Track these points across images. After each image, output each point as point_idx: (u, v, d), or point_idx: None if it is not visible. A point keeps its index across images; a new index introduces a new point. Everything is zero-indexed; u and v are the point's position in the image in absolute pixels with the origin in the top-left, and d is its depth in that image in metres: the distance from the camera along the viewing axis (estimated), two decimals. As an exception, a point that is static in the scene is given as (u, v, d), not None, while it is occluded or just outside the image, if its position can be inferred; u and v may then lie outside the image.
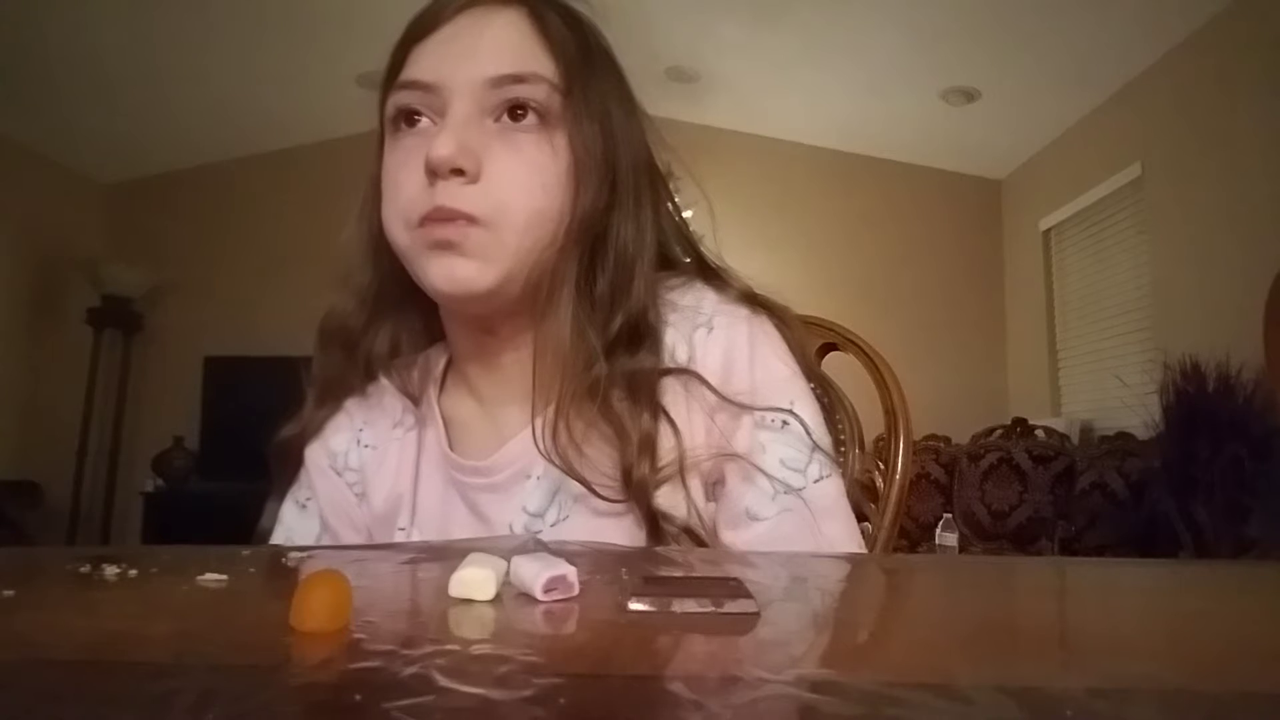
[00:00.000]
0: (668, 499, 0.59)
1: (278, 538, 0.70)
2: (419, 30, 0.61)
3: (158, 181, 4.77)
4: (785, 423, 0.60)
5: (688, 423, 0.60)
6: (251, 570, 0.46)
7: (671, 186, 0.71)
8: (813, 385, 0.67)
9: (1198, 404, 2.73)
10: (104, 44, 3.52)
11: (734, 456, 0.60)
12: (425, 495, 0.66)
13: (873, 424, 0.81)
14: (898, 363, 0.83)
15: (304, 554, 0.52)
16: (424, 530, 0.65)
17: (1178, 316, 3.28)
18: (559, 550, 0.41)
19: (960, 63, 3.70)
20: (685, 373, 0.61)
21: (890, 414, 0.81)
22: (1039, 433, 3.64)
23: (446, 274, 0.57)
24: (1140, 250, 3.60)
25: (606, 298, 0.60)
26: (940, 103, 3.99)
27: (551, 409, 0.59)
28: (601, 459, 0.58)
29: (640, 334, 0.61)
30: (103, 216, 4.78)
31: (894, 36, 3.54)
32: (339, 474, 0.69)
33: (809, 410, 0.62)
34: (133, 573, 0.39)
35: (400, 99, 0.60)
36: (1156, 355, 3.10)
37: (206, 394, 4.46)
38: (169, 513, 4.25)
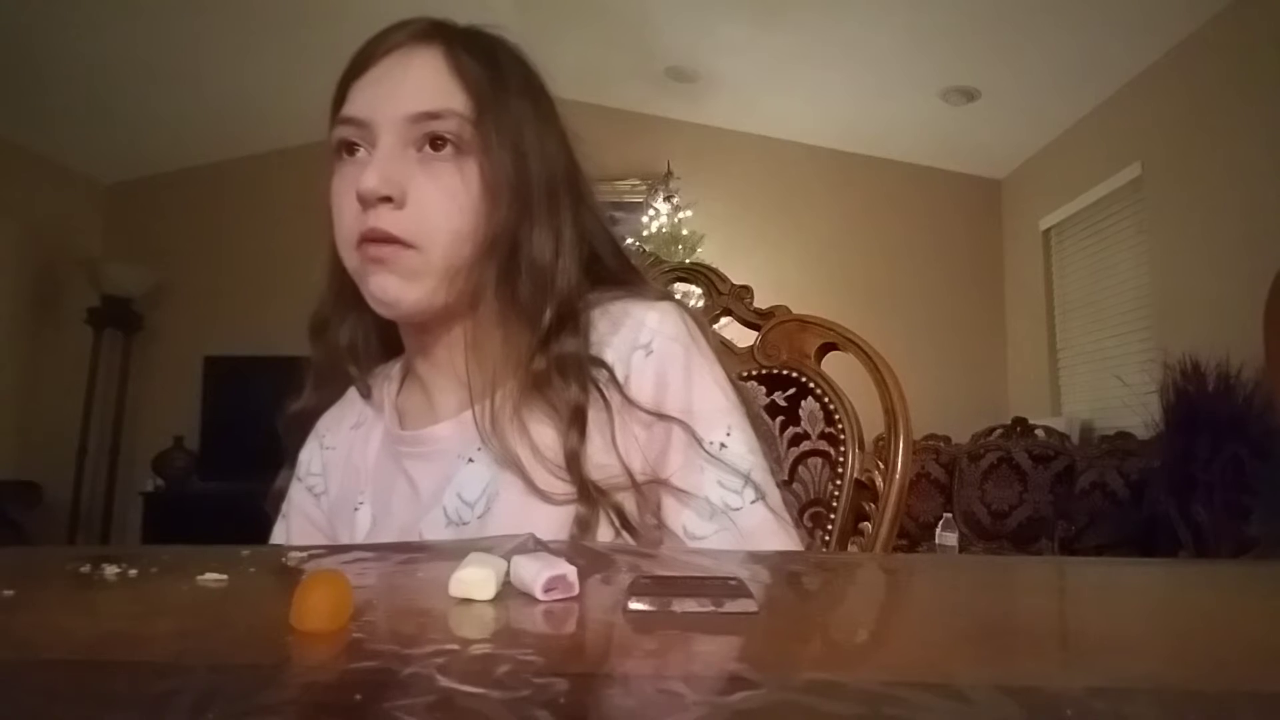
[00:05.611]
0: (600, 466, 0.63)
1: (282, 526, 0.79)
2: (355, 69, 0.69)
3: (158, 181, 4.76)
4: (724, 445, 0.65)
5: (620, 414, 0.65)
6: (251, 570, 0.46)
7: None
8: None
9: (1198, 404, 2.73)
10: (103, 44, 3.52)
11: (669, 478, 0.64)
12: (376, 471, 0.74)
13: (873, 424, 0.82)
14: (898, 362, 0.83)
15: (304, 554, 0.52)
16: (373, 502, 0.72)
17: (1178, 316, 3.28)
18: (559, 550, 0.41)
19: (960, 63, 3.70)
20: (613, 382, 0.65)
21: (890, 414, 0.81)
22: (1039, 432, 3.64)
23: (380, 289, 0.66)
24: (1140, 250, 3.60)
25: (529, 296, 0.67)
26: (940, 103, 3.99)
27: (490, 396, 0.66)
28: (544, 439, 0.64)
29: (564, 322, 0.67)
30: (103, 216, 4.78)
31: (894, 36, 3.54)
32: (300, 480, 0.79)
33: (744, 438, 0.66)
34: (133, 573, 0.39)
35: (340, 133, 0.68)
36: (1156, 355, 3.10)
37: (206, 394, 4.45)
38: (169, 513, 4.25)
